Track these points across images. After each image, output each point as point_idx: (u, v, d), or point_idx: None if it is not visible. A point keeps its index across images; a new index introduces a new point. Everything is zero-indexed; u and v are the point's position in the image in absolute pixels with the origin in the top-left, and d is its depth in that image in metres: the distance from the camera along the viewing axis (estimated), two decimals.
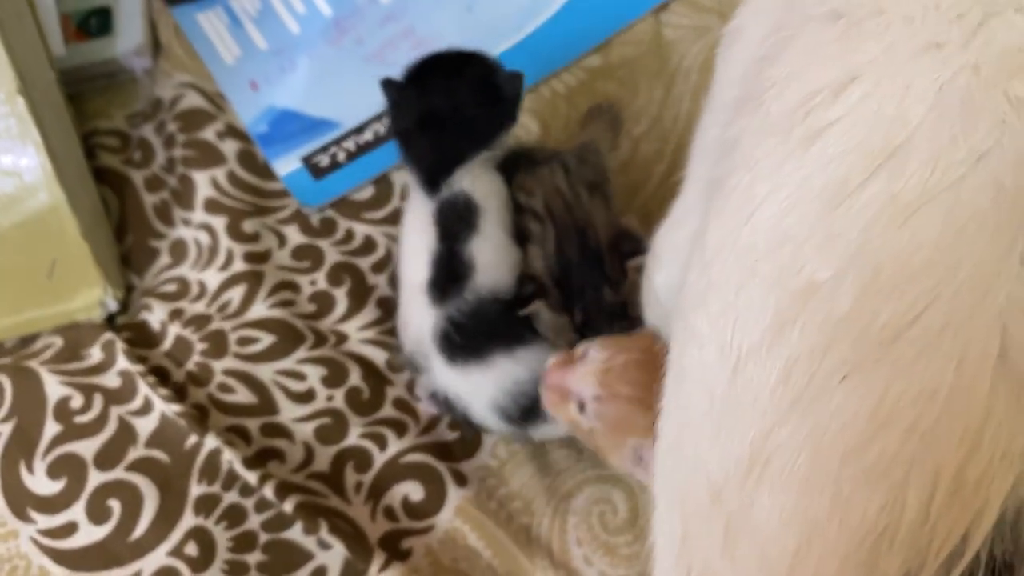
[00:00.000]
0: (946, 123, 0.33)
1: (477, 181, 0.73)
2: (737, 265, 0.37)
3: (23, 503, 0.73)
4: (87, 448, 0.74)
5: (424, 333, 0.71)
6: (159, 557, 0.70)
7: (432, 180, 0.72)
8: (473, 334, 0.70)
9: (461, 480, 0.74)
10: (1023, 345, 0.29)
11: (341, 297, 0.81)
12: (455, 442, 0.76)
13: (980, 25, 0.34)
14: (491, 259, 0.71)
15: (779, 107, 0.38)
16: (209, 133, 0.86)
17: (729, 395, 0.35)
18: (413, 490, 0.74)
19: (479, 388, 0.70)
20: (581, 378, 0.63)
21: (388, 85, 0.74)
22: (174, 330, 0.79)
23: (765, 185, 0.37)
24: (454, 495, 0.74)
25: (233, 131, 0.86)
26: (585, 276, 0.69)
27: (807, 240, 0.34)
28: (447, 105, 0.72)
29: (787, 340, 0.33)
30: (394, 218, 0.84)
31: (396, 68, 0.74)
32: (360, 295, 0.81)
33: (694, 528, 0.36)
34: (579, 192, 0.73)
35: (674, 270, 0.56)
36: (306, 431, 0.75)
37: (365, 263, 0.82)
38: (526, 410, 0.70)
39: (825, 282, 0.33)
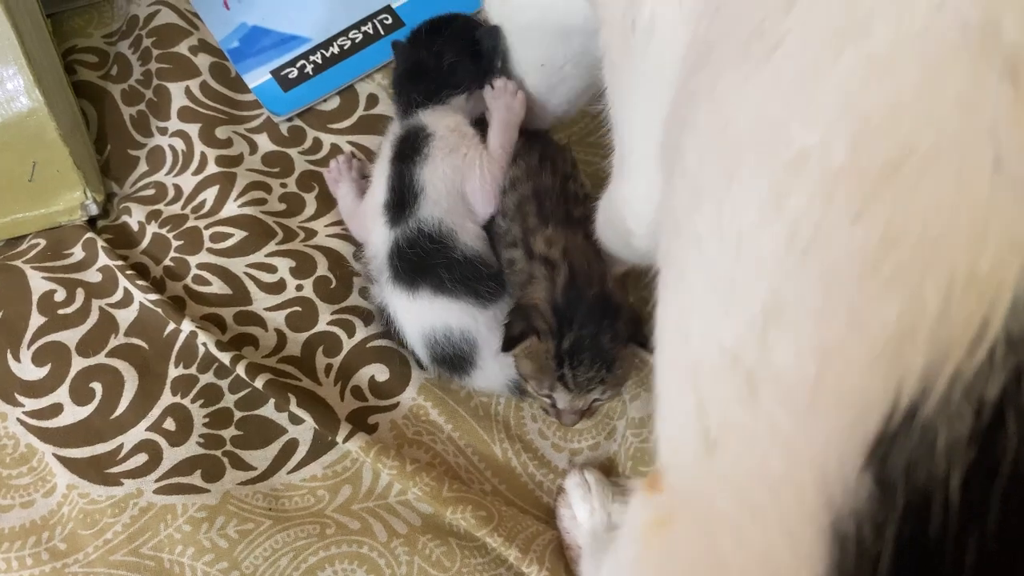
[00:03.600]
0: None
1: (441, 119, 0.77)
2: (723, 163, 0.40)
3: (10, 388, 0.77)
4: (70, 337, 0.78)
5: (380, 249, 0.76)
6: (139, 432, 0.75)
7: (405, 107, 0.78)
8: (408, 263, 0.74)
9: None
10: (1016, 150, 0.31)
11: (311, 200, 0.85)
12: None
13: None
14: (439, 191, 0.74)
15: (731, 43, 0.41)
16: (183, 48, 0.90)
17: (735, 272, 0.38)
18: (379, 372, 0.78)
19: (410, 317, 0.74)
20: None
21: (396, 47, 0.81)
22: (152, 229, 0.83)
23: (735, 96, 0.40)
24: (417, 376, 0.78)
25: (206, 46, 0.91)
26: (591, 316, 0.69)
27: (789, 118, 0.37)
28: (432, 55, 0.78)
29: (787, 205, 0.36)
30: (359, 127, 0.89)
31: None
32: (328, 199, 0.85)
33: (710, 394, 0.39)
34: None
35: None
36: (278, 319, 0.80)
37: None
38: (446, 358, 0.74)
39: (815, 145, 0.35)
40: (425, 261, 0.73)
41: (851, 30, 0.36)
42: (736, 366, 0.37)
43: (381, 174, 0.77)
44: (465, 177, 0.75)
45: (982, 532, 0.29)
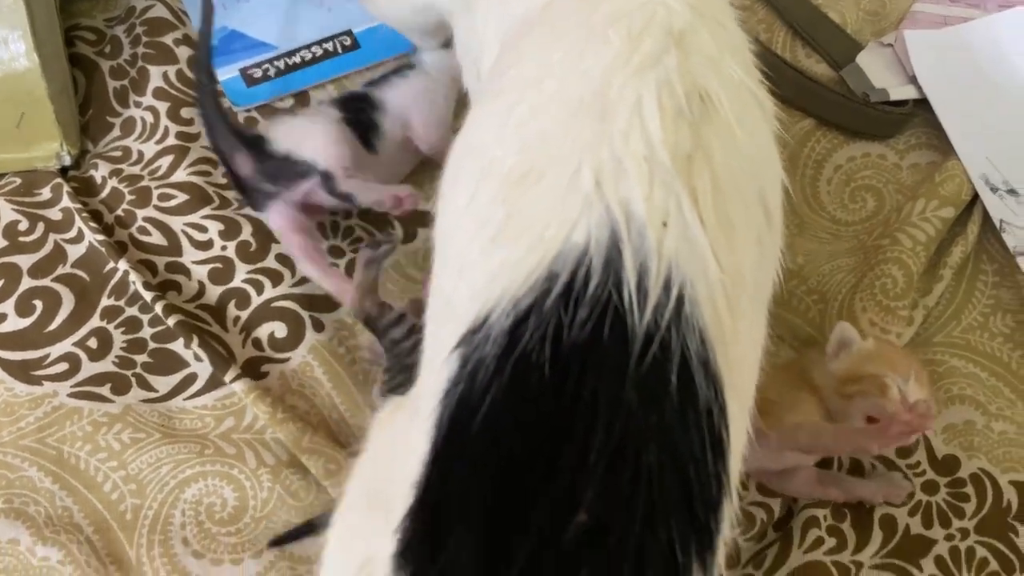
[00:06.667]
0: (568, 62, 0.54)
1: None
2: (460, 164, 0.58)
3: None
4: (25, 261, 0.93)
5: None
6: (66, 345, 0.89)
7: None
8: None
9: (319, 327, 0.92)
10: (588, 168, 0.49)
11: None
12: (321, 297, 0.93)
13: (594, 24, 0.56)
14: None
15: (490, 86, 0.61)
16: (168, 39, 1.05)
17: (453, 240, 0.56)
18: (279, 328, 0.92)
19: None
20: None
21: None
22: (112, 184, 0.98)
23: (476, 121, 0.59)
24: (311, 337, 0.91)
25: (188, 40, 1.06)
26: None
27: (491, 139, 0.55)
28: None
29: (477, 194, 0.54)
30: None
31: (331, 10, 0.95)
32: None
33: (437, 322, 0.56)
34: None
35: None
36: (201, 271, 0.94)
37: None
38: None
39: (498, 157, 0.53)
40: None
41: (533, 85, 0.55)
42: (448, 303, 0.53)
43: None
44: None
45: (498, 387, 0.45)
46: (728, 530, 0.49)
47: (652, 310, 0.45)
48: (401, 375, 0.78)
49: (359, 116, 0.93)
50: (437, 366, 0.51)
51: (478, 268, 0.50)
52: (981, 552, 0.84)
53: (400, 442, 0.53)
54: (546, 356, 0.45)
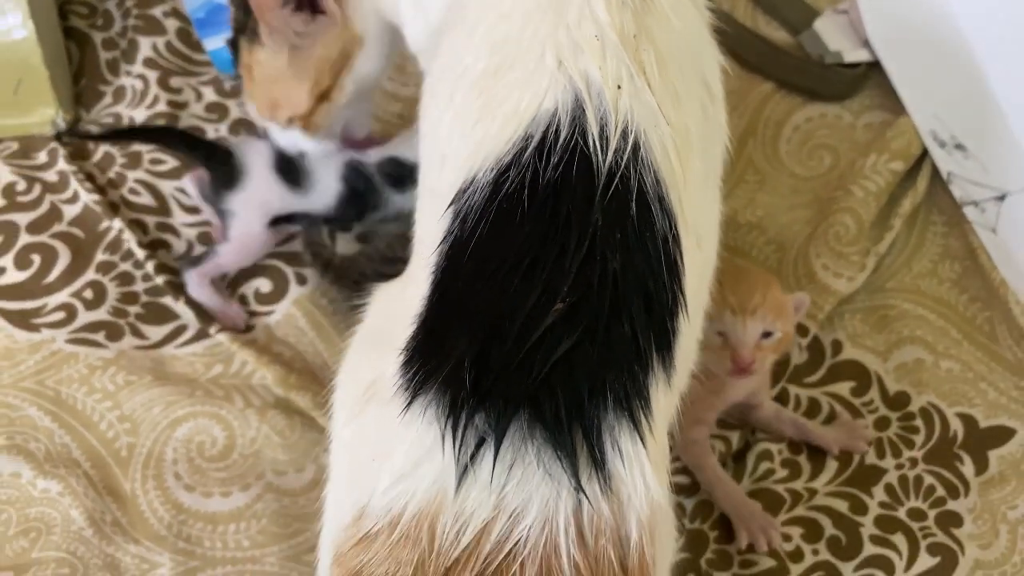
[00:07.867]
0: None
1: None
2: (430, 92, 0.67)
3: None
4: (23, 218, 0.97)
5: None
6: (62, 296, 0.94)
7: None
8: None
9: (302, 281, 0.97)
10: (552, 55, 0.58)
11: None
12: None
13: None
14: None
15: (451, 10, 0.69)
16: (157, 11, 1.10)
17: (436, 141, 0.65)
18: (263, 284, 0.97)
19: None
20: None
21: None
22: (104, 147, 1.03)
23: (450, 45, 0.66)
24: (295, 291, 0.97)
25: (177, 13, 1.11)
26: None
27: (464, 51, 0.63)
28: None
29: (454, 96, 0.63)
30: None
31: None
32: None
33: (425, 209, 0.65)
34: None
35: None
36: (190, 233, 0.99)
37: None
38: None
39: (471, 63, 0.62)
40: None
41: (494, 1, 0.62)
42: (433, 191, 0.63)
43: None
44: None
45: (485, 223, 0.55)
46: (692, 353, 0.61)
47: (613, 152, 0.55)
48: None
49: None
50: (428, 243, 0.60)
51: (461, 148, 0.59)
52: (929, 480, 0.90)
53: (396, 297, 0.63)
54: (525, 195, 0.55)
